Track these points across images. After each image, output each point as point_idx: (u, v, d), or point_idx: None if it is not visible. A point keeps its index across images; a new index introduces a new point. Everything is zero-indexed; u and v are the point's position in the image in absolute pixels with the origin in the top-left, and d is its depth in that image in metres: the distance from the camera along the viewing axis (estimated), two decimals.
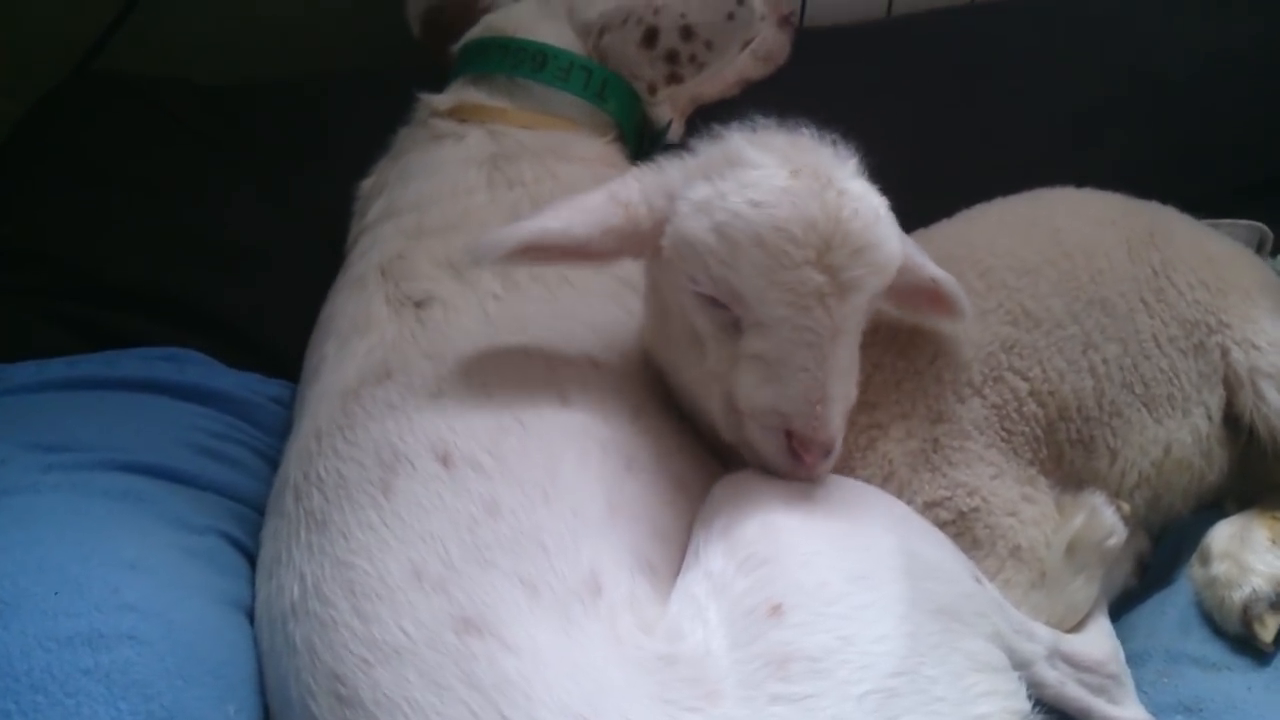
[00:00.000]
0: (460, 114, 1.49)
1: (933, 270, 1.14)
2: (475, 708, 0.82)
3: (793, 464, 0.99)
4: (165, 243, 1.39)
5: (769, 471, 1.01)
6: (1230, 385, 1.36)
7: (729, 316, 1.00)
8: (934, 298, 1.15)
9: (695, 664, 0.87)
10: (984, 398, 1.25)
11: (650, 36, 1.53)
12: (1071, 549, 1.21)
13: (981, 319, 1.27)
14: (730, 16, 1.55)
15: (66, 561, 0.86)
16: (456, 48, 1.60)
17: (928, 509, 1.19)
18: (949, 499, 1.20)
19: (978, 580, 1.06)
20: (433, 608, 0.88)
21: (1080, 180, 1.48)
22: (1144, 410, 1.32)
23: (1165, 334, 1.34)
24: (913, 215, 1.28)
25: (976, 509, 1.20)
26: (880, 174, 1.08)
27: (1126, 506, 1.26)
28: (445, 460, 0.99)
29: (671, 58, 1.54)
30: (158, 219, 1.41)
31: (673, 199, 1.03)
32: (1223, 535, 1.27)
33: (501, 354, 1.13)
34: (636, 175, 1.08)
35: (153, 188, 1.44)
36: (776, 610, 0.90)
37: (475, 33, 1.59)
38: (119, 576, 0.87)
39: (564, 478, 1.00)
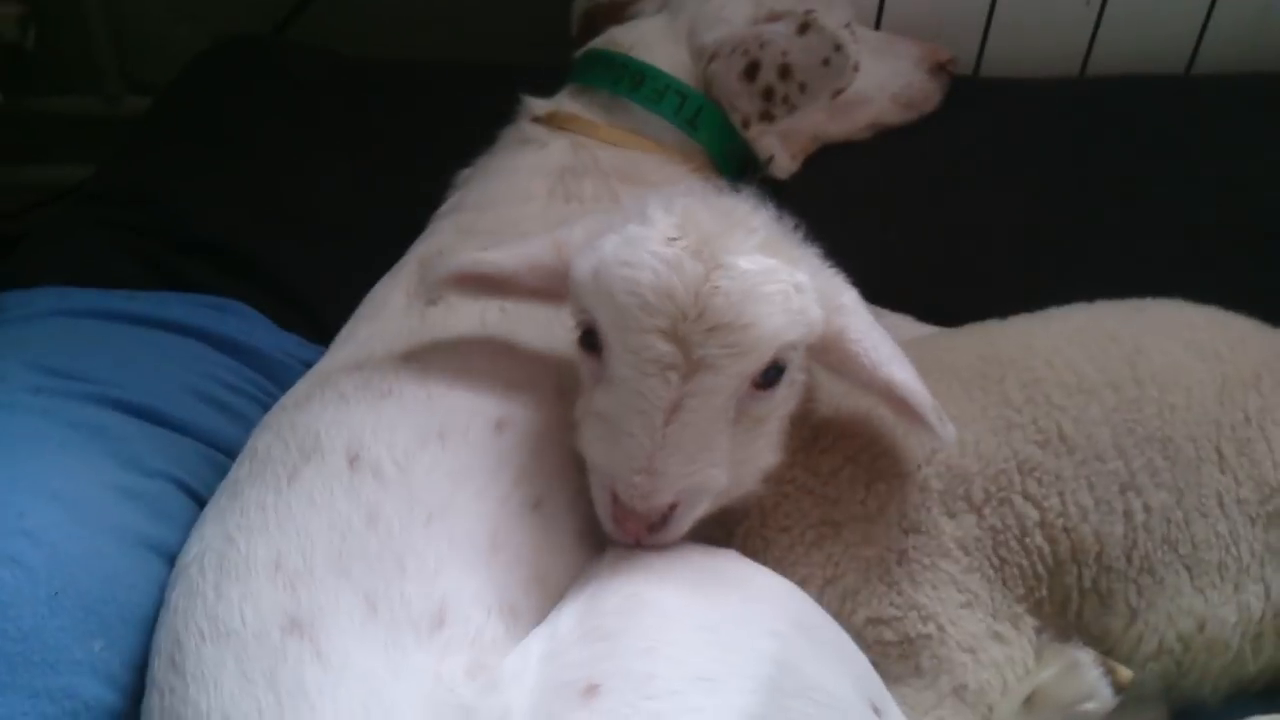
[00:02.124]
0: (555, 122, 1.52)
1: (892, 374, 1.03)
2: (263, 706, 0.85)
3: (615, 528, 0.97)
4: (252, 203, 1.51)
5: (606, 529, 0.99)
6: None
7: (600, 368, 0.99)
8: (903, 404, 1.05)
9: None
10: (982, 517, 1.14)
11: (752, 69, 1.49)
12: (1032, 703, 1.08)
13: (1004, 433, 1.16)
14: (825, 62, 1.48)
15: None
16: (576, 55, 1.62)
17: (869, 624, 1.10)
18: (898, 619, 1.10)
19: (875, 711, 0.97)
20: (274, 601, 0.91)
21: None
22: (1184, 573, 1.15)
23: (1235, 493, 1.16)
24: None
25: (928, 636, 1.10)
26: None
27: (1127, 673, 1.11)
28: (353, 461, 1.02)
29: (768, 94, 1.49)
30: (252, 180, 1.53)
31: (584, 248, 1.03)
32: None
33: (466, 367, 1.15)
34: (588, 220, 1.09)
35: (258, 150, 1.57)
36: (592, 690, 0.86)
37: (596, 43, 1.61)
38: (31, 503, 0.96)
39: (457, 504, 1.00)
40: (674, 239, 0.94)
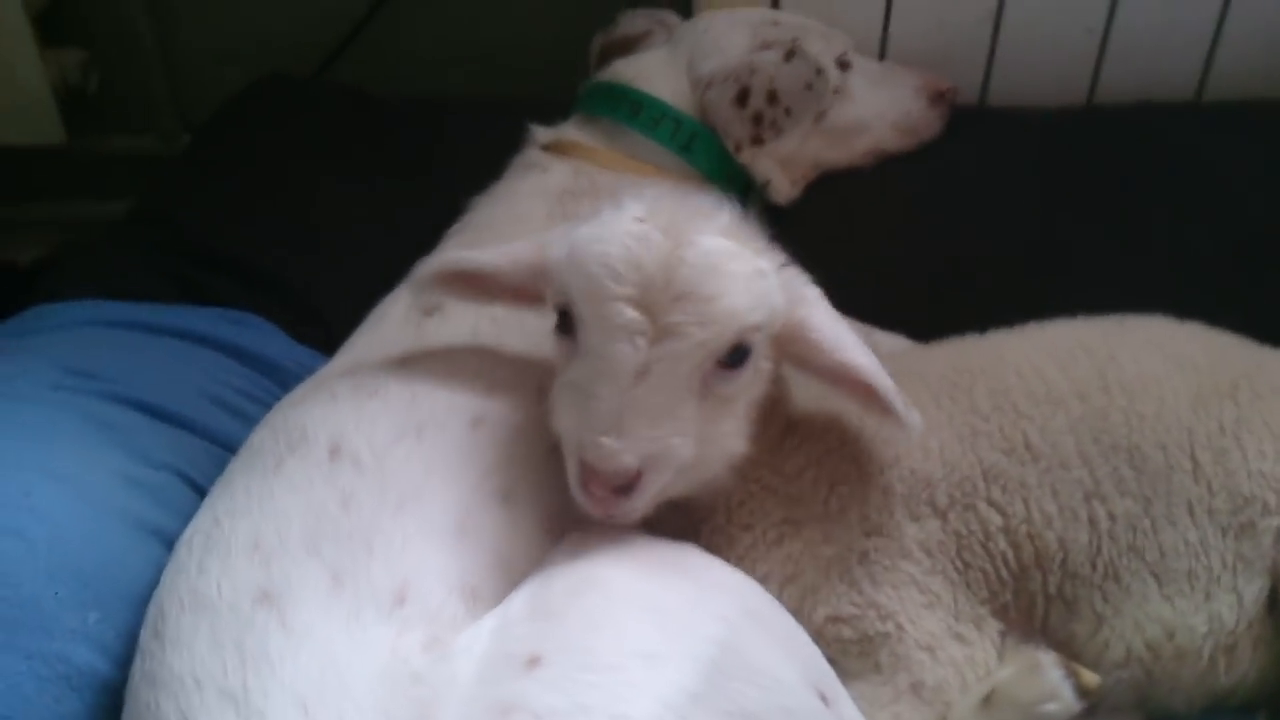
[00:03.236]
0: (559, 149, 1.60)
1: (854, 359, 1.07)
2: (229, 668, 0.92)
3: (585, 496, 1.00)
4: (276, 226, 1.61)
5: (579, 504, 1.02)
6: (1278, 578, 1.15)
7: (571, 348, 1.04)
8: (868, 393, 1.08)
9: (434, 689, 0.90)
10: (946, 521, 1.16)
11: (743, 96, 1.56)
12: (990, 702, 1.10)
13: (970, 440, 1.18)
14: (809, 86, 1.54)
15: (7, 456, 1.05)
16: (581, 86, 1.70)
17: (828, 622, 1.13)
18: (857, 617, 1.13)
19: (821, 699, 0.99)
20: (250, 576, 0.98)
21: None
22: (1151, 581, 1.16)
23: (1207, 503, 1.16)
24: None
25: (886, 634, 1.12)
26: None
27: (1093, 678, 1.12)
28: (334, 452, 1.08)
29: (757, 119, 1.55)
30: (278, 205, 1.63)
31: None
32: None
33: (451, 371, 1.21)
34: (569, 225, 1.13)
35: (285, 178, 1.67)
36: (534, 661, 0.91)
37: (601, 75, 1.69)
38: (37, 482, 1.05)
39: (427, 492, 1.06)
40: (642, 220, 1.01)
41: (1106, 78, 1.87)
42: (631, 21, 1.82)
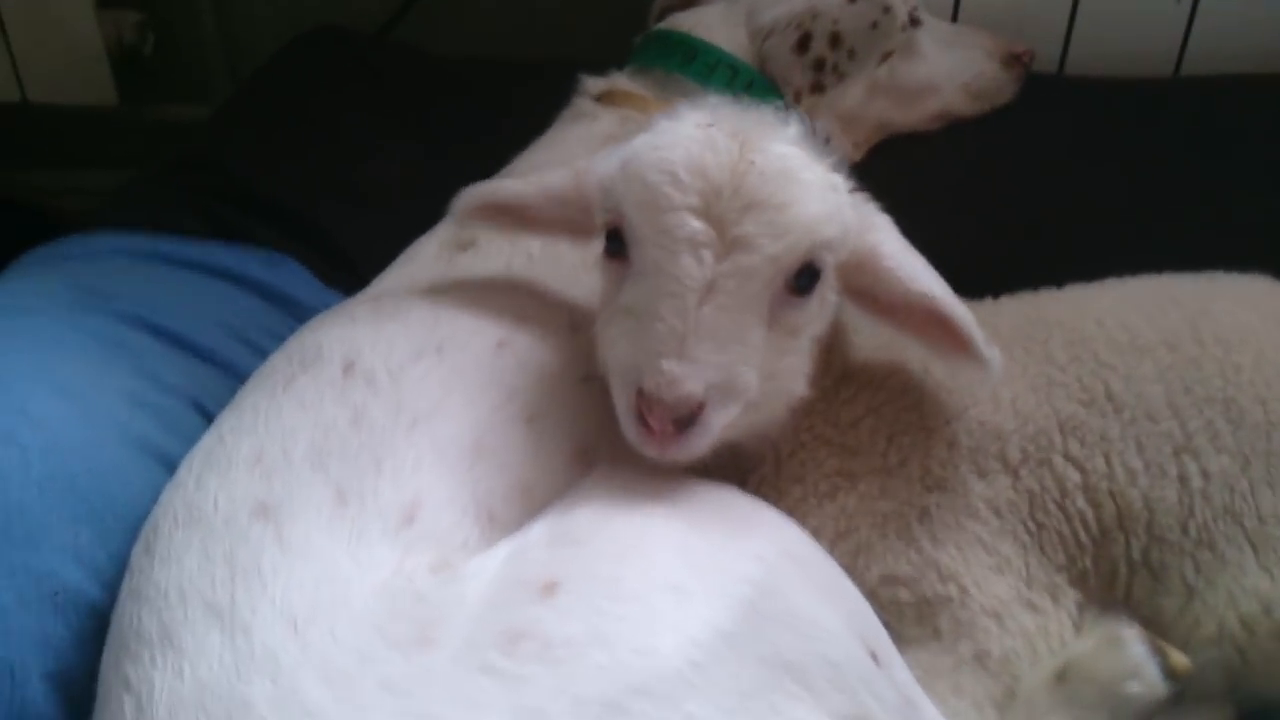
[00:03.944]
0: (609, 98, 1.52)
1: (932, 288, 0.98)
2: (217, 581, 0.84)
3: (641, 432, 0.90)
4: (318, 174, 1.56)
5: (631, 442, 0.92)
6: None
7: (624, 272, 0.94)
8: (941, 327, 0.99)
9: (438, 609, 0.82)
10: (1017, 478, 1.05)
11: (804, 42, 1.48)
12: (1064, 676, 0.98)
13: (1045, 391, 1.08)
14: (874, 25, 1.46)
15: (8, 367, 0.99)
16: (636, 39, 1.63)
17: (883, 583, 1.03)
18: (915, 579, 1.02)
19: (872, 656, 0.89)
20: (249, 489, 0.91)
21: None
22: (1248, 550, 1.03)
23: None
24: None
25: (948, 599, 1.01)
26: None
27: (1183, 660, 0.99)
28: (348, 369, 1.01)
29: (818, 65, 1.47)
30: (321, 154, 1.59)
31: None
32: None
33: (479, 298, 1.14)
34: (609, 150, 1.06)
35: (331, 129, 1.64)
36: (550, 588, 0.82)
37: (657, 26, 1.62)
38: (39, 391, 0.99)
39: (444, 410, 0.98)
40: (707, 125, 0.92)
41: (1194, 49, 1.75)
42: None
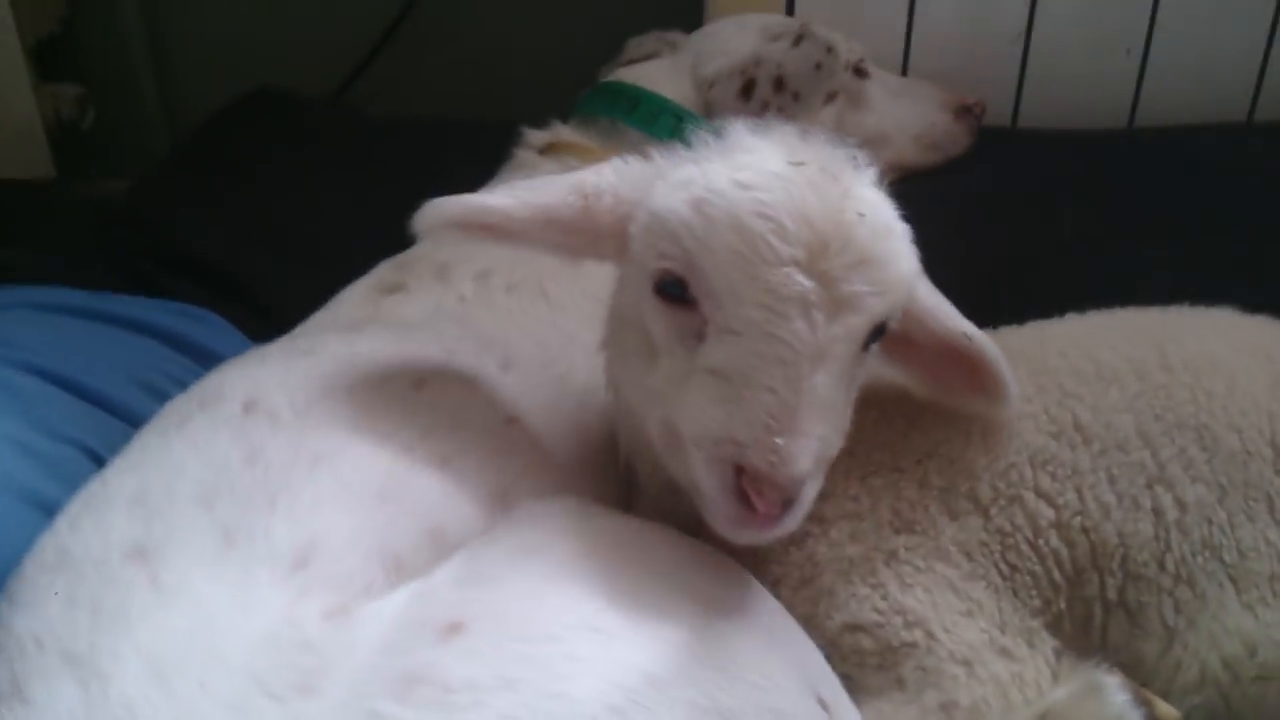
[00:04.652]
0: (552, 149, 1.48)
1: (964, 325, 0.93)
2: (79, 628, 0.74)
3: (740, 512, 0.78)
4: (245, 230, 1.52)
5: (716, 525, 0.81)
6: None
7: (692, 323, 0.82)
8: (966, 367, 0.94)
9: (325, 656, 0.72)
10: (988, 518, 0.97)
11: (748, 88, 1.46)
12: None
13: (1013, 424, 1.00)
14: (818, 66, 1.44)
15: None
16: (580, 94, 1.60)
17: (845, 631, 0.94)
18: (879, 625, 0.93)
19: (820, 704, 0.79)
20: (126, 531, 0.81)
21: None
22: (1229, 586, 0.96)
23: None
24: None
25: (914, 645, 0.92)
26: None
27: (1170, 710, 0.90)
28: (249, 407, 0.93)
29: (764, 109, 1.43)
30: (250, 211, 1.54)
31: (648, 187, 0.87)
32: None
33: (400, 335, 1.07)
34: (615, 164, 0.94)
35: (261, 186, 1.59)
36: (455, 629, 0.73)
37: (601, 80, 1.59)
38: None
39: (349, 450, 0.90)
40: (798, 162, 0.81)
41: (1148, 101, 1.74)
42: (640, 45, 1.73)
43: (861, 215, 0.78)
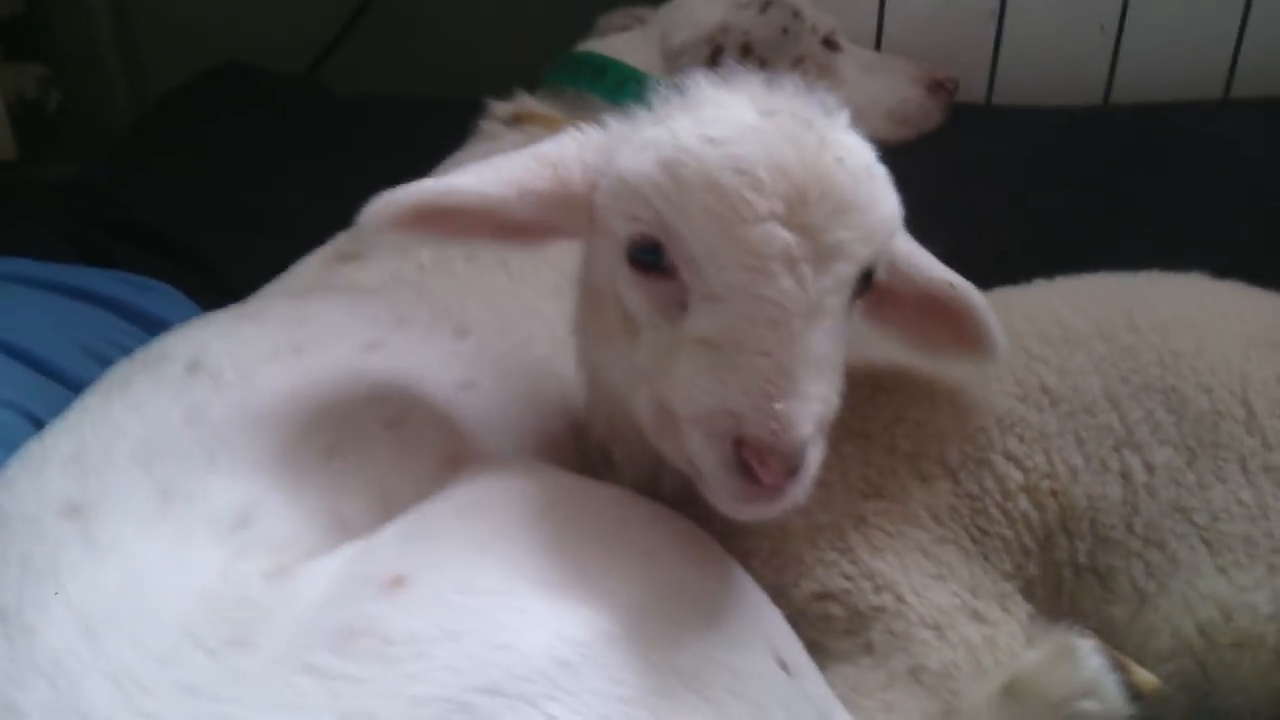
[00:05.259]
0: (516, 120, 1.46)
1: (947, 273, 0.89)
2: (7, 581, 0.72)
3: (744, 486, 0.73)
4: (210, 203, 1.49)
5: (719, 504, 0.76)
6: None
7: (673, 293, 0.77)
8: (950, 318, 0.90)
9: (262, 610, 0.70)
10: (957, 482, 0.96)
11: (715, 55, 1.44)
12: (1011, 691, 0.86)
13: (980, 386, 0.99)
14: (784, 31, 1.43)
15: None
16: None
17: (813, 600, 0.92)
18: (848, 591, 0.91)
19: (780, 665, 0.77)
20: (60, 488, 0.79)
21: None
22: (1202, 549, 0.94)
23: (1262, 459, 0.95)
24: None
25: (882, 609, 0.90)
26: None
27: (1149, 678, 0.87)
28: (192, 367, 0.90)
29: None
30: (216, 185, 1.52)
31: (613, 150, 0.83)
32: None
33: (354, 300, 1.04)
34: (573, 133, 0.89)
35: (222, 159, 1.57)
36: (397, 582, 0.70)
37: (567, 51, 1.57)
38: None
39: (294, 410, 0.87)
40: (769, 112, 0.77)
41: (1123, 78, 1.73)
42: (610, 21, 1.71)
43: (840, 160, 0.75)
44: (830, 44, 1.54)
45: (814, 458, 0.75)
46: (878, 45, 1.72)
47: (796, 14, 1.44)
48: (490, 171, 0.86)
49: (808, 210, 0.73)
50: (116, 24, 2.14)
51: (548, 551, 0.74)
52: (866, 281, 0.80)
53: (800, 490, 0.74)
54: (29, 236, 1.32)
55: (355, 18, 2.08)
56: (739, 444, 0.72)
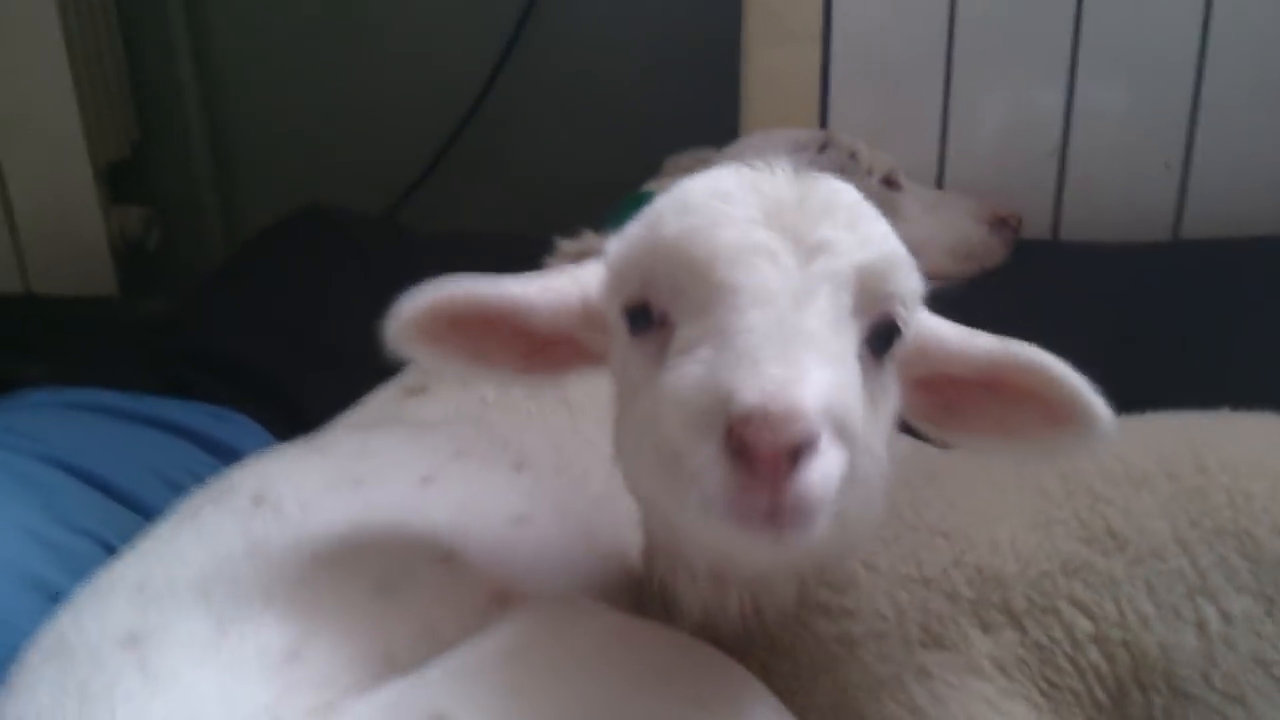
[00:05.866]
0: (580, 256, 1.50)
1: (1005, 342, 0.83)
2: (68, 713, 0.74)
3: (741, 479, 0.64)
4: (289, 338, 1.55)
5: (721, 531, 0.67)
6: None
7: (662, 340, 0.74)
8: (1031, 398, 0.81)
9: None
10: (1024, 631, 0.92)
11: None
12: None
13: (1044, 529, 0.96)
14: (841, 171, 1.42)
15: None
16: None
17: None
18: None
19: None
20: (122, 617, 0.81)
21: None
22: None
23: None
24: None
25: None
26: None
27: None
28: (257, 500, 0.93)
29: None
30: (295, 320, 1.59)
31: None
32: None
33: (414, 433, 1.07)
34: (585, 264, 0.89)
35: (307, 297, 1.63)
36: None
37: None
38: None
39: (350, 544, 0.89)
40: (754, 166, 0.77)
41: (1191, 212, 1.72)
42: (676, 163, 1.77)
43: (815, 181, 0.75)
44: (890, 183, 1.57)
45: (832, 461, 0.65)
46: (939, 183, 1.75)
47: (853, 155, 1.47)
48: (510, 279, 0.87)
49: (785, 215, 0.72)
50: (215, 167, 2.27)
51: (590, 699, 0.73)
52: (887, 338, 0.75)
53: (815, 513, 0.65)
54: (116, 369, 1.39)
55: (437, 160, 2.18)
56: (732, 433, 0.64)
